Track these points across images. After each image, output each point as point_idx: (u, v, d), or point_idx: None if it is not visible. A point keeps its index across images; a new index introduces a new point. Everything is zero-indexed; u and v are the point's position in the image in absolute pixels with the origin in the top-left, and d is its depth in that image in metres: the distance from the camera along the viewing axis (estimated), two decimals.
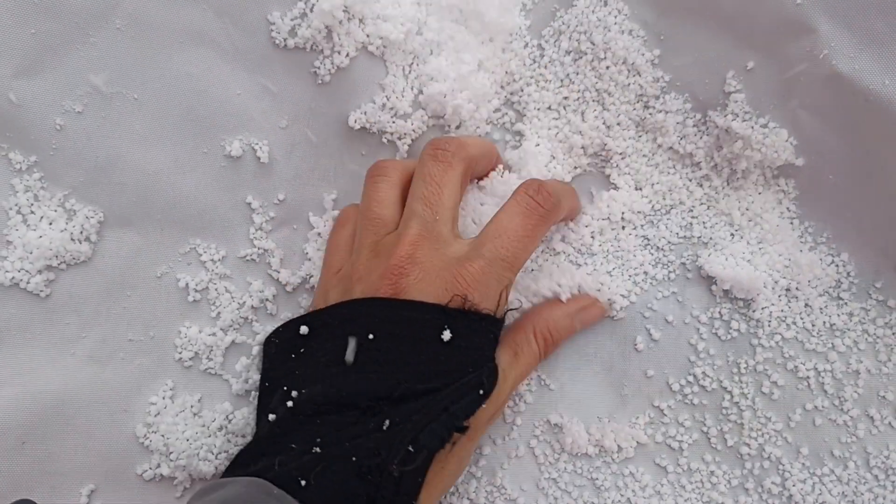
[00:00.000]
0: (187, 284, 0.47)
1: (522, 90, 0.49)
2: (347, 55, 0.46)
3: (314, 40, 0.46)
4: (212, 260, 0.47)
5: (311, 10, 0.46)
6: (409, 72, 0.47)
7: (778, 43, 0.44)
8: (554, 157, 0.49)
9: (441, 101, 0.46)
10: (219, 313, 0.47)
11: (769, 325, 0.47)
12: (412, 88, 0.47)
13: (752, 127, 0.46)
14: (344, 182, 0.49)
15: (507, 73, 0.50)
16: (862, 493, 0.45)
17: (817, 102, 0.44)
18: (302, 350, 0.40)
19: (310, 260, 0.48)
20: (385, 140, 0.48)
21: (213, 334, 0.47)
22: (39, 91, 0.44)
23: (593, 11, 0.48)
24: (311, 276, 0.48)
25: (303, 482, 0.33)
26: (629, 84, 0.48)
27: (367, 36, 0.46)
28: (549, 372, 0.47)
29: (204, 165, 0.47)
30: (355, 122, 0.47)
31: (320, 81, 0.47)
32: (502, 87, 0.50)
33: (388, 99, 0.47)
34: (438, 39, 0.48)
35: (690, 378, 0.47)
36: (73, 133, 0.45)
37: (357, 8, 0.45)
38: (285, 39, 0.46)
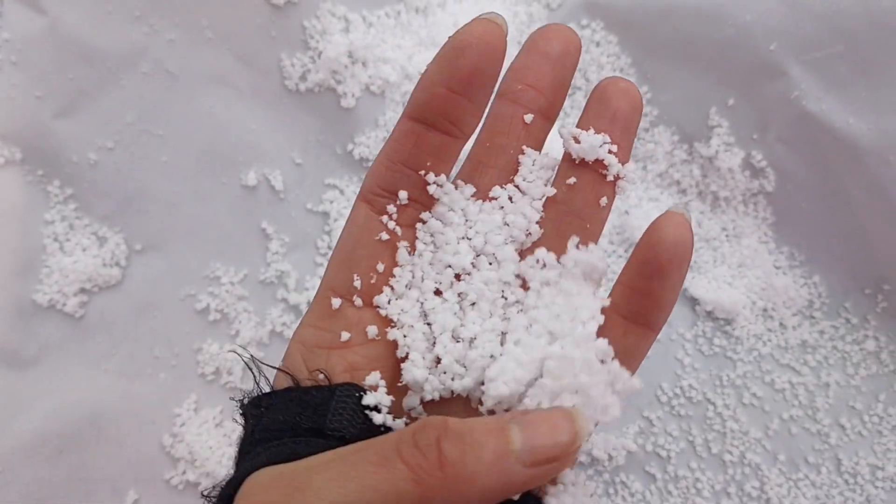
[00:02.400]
0: (208, 305, 0.52)
1: None
2: (353, 96, 0.52)
3: (323, 85, 0.52)
4: (230, 282, 0.53)
5: (319, 57, 0.52)
6: None
7: (754, 83, 0.50)
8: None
9: None
10: (237, 331, 0.53)
11: (748, 342, 0.53)
12: None
13: (734, 157, 0.52)
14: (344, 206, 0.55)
15: None
16: (833, 497, 0.51)
17: (791, 137, 0.50)
18: None
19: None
20: None
21: (233, 351, 0.52)
22: (76, 129, 0.49)
23: (587, 51, 0.54)
24: None
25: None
26: None
27: (369, 77, 0.52)
28: None
29: (223, 195, 0.53)
30: (358, 154, 0.53)
31: (328, 118, 0.53)
32: None
33: (388, 132, 0.53)
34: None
35: (677, 390, 0.53)
36: (105, 167, 0.50)
37: (360, 53, 0.51)
38: (297, 84, 0.52)
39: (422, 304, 0.28)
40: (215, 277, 0.53)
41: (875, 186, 0.48)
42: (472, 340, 0.27)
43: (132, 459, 0.50)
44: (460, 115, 0.27)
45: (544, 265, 0.28)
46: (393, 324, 0.28)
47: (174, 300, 0.52)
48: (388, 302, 0.29)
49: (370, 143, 0.53)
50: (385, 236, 0.28)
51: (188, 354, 0.52)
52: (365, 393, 0.27)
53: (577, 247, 0.27)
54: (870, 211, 0.49)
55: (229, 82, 0.52)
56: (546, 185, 0.29)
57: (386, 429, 0.26)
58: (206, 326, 0.52)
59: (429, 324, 0.28)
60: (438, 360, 0.27)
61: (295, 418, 0.26)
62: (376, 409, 0.27)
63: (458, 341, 0.27)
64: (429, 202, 0.29)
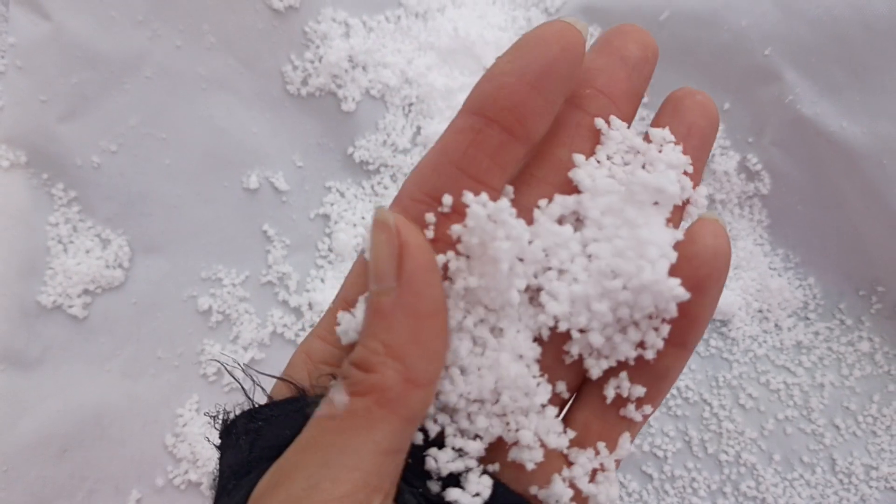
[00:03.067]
0: (210, 306, 0.53)
1: None
2: (353, 100, 0.53)
3: (323, 89, 0.53)
4: (232, 284, 0.54)
5: (320, 61, 0.53)
6: (409, 111, 0.54)
7: (749, 88, 0.51)
8: None
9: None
10: (239, 333, 0.54)
11: (743, 343, 0.54)
12: (411, 126, 0.54)
13: (729, 160, 0.53)
14: (345, 209, 0.56)
15: None
16: (828, 496, 0.52)
17: (786, 141, 0.51)
18: None
19: (323, 282, 0.55)
20: (390, 176, 0.55)
21: (234, 352, 0.53)
22: (79, 133, 0.50)
23: None
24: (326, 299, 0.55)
25: None
26: None
27: (370, 81, 0.53)
28: None
29: (224, 197, 0.54)
30: (359, 157, 0.54)
31: (329, 122, 0.54)
32: None
33: (388, 136, 0.54)
34: (437, 81, 0.55)
35: (674, 391, 0.54)
36: (109, 170, 0.51)
37: (360, 58, 0.52)
38: (298, 88, 0.53)
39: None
40: (217, 279, 0.54)
41: (869, 189, 0.49)
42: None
43: (135, 459, 0.51)
44: (529, 110, 0.23)
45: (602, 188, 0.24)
46: None
47: (176, 301, 0.53)
48: None
49: (370, 146, 0.55)
50: None
51: (190, 355, 0.53)
52: None
53: (644, 167, 0.24)
54: (864, 213, 0.50)
55: (231, 86, 0.53)
56: None
57: None
58: (207, 328, 0.53)
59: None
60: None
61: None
62: None
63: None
64: None
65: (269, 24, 0.52)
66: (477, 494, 0.23)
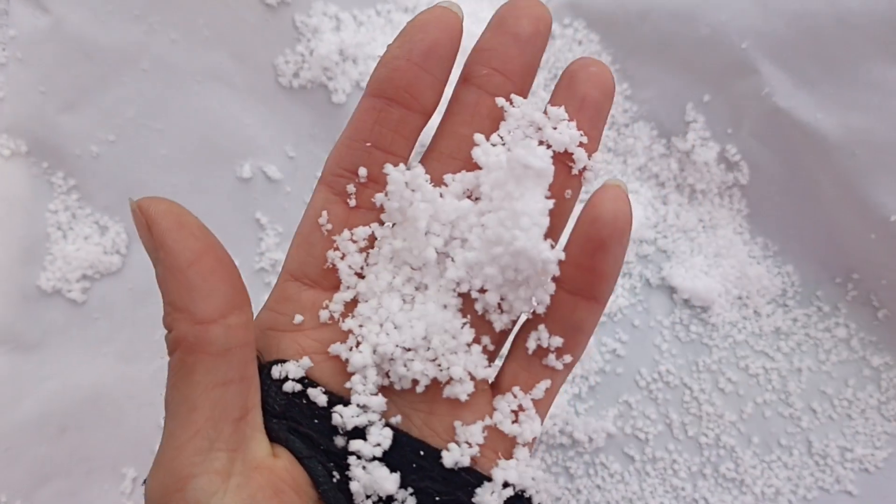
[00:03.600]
0: None
1: None
2: (344, 92, 0.55)
3: (315, 81, 0.55)
4: None
5: (311, 55, 0.55)
6: None
7: (728, 81, 0.53)
8: None
9: (427, 131, 0.56)
10: None
11: (723, 329, 0.56)
12: None
13: (709, 151, 0.55)
14: None
15: None
16: (805, 477, 0.53)
17: (764, 132, 0.53)
18: None
19: None
20: None
21: None
22: (78, 123, 0.52)
23: (570, 49, 0.57)
24: None
25: None
26: None
27: (360, 73, 0.55)
28: None
29: (218, 186, 0.56)
30: None
31: (320, 113, 0.56)
32: None
33: None
34: None
35: (655, 375, 0.56)
36: (107, 159, 0.53)
37: (350, 51, 0.54)
38: (290, 81, 0.55)
39: (378, 297, 0.28)
40: None
41: (842, 179, 0.51)
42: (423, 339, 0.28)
43: (131, 439, 0.53)
44: (420, 87, 0.27)
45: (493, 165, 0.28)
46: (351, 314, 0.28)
47: None
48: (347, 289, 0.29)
49: None
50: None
51: None
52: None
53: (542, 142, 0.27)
54: (838, 202, 0.52)
55: (225, 79, 0.55)
56: None
57: (306, 400, 0.27)
58: None
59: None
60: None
61: None
62: (285, 380, 0.27)
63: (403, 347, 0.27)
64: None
65: (262, 18, 0.54)
66: (378, 444, 0.26)
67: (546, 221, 0.26)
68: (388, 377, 0.28)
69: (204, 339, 0.24)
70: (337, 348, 0.28)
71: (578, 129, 0.27)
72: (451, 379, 0.27)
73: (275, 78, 0.56)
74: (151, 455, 0.52)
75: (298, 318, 0.28)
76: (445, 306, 0.28)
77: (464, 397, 0.27)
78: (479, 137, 0.28)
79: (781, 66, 0.51)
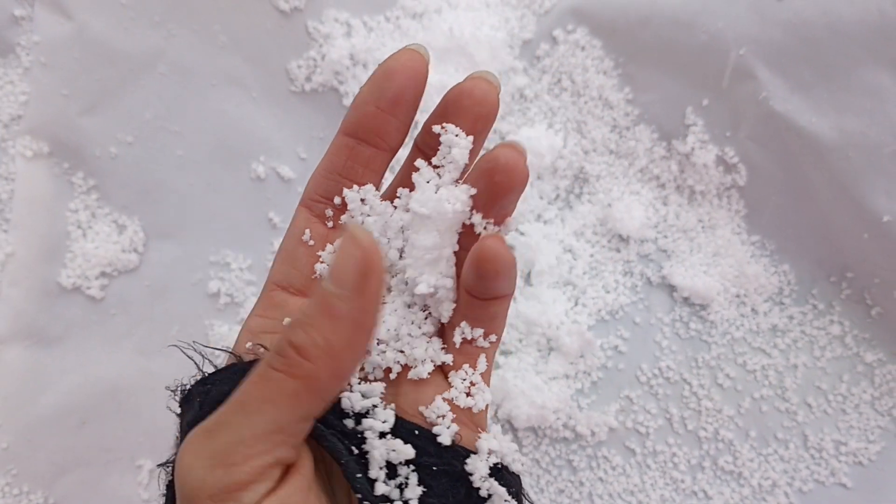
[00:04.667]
0: (219, 290, 0.58)
1: (508, 120, 0.61)
2: (355, 96, 0.57)
3: (326, 85, 0.58)
4: (239, 268, 0.58)
5: (323, 59, 0.57)
6: None
7: (726, 85, 0.55)
8: (540, 178, 0.61)
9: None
10: (245, 315, 0.58)
11: (722, 326, 0.58)
12: None
13: (708, 153, 0.57)
14: None
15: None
16: (800, 470, 0.56)
17: (761, 135, 0.56)
18: None
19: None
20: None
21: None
22: (99, 125, 0.55)
23: (573, 54, 0.59)
24: None
25: None
26: (604, 116, 0.60)
27: None
28: (540, 369, 0.58)
29: (233, 187, 0.58)
30: None
31: (331, 116, 0.59)
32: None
33: None
34: (433, 78, 0.59)
35: (656, 371, 0.58)
36: (125, 160, 0.56)
37: (361, 56, 0.57)
38: (302, 84, 0.58)
39: None
40: (225, 264, 0.58)
41: (836, 180, 0.53)
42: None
43: (149, 431, 0.55)
44: (387, 130, 0.31)
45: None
46: None
47: (187, 284, 0.57)
48: None
49: None
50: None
51: (199, 335, 0.57)
52: None
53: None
54: (832, 203, 0.55)
55: (240, 82, 0.58)
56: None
57: None
58: (216, 309, 0.58)
59: None
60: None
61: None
62: None
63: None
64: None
65: (276, 24, 0.57)
66: (385, 421, 0.30)
67: (431, 256, 0.31)
68: (363, 369, 0.32)
69: (329, 390, 0.26)
70: None
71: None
72: (414, 360, 0.32)
73: (288, 82, 0.58)
74: (168, 447, 0.55)
75: (287, 321, 0.32)
76: (409, 305, 0.33)
77: (425, 375, 0.31)
78: (420, 163, 0.32)
79: (777, 72, 0.53)
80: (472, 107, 0.30)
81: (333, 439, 0.29)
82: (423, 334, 0.32)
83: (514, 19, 0.61)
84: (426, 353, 0.32)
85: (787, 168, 0.56)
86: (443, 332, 0.33)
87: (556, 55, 0.60)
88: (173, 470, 0.27)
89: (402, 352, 0.32)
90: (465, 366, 0.32)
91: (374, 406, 0.30)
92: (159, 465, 0.32)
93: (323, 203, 0.33)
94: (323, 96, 0.59)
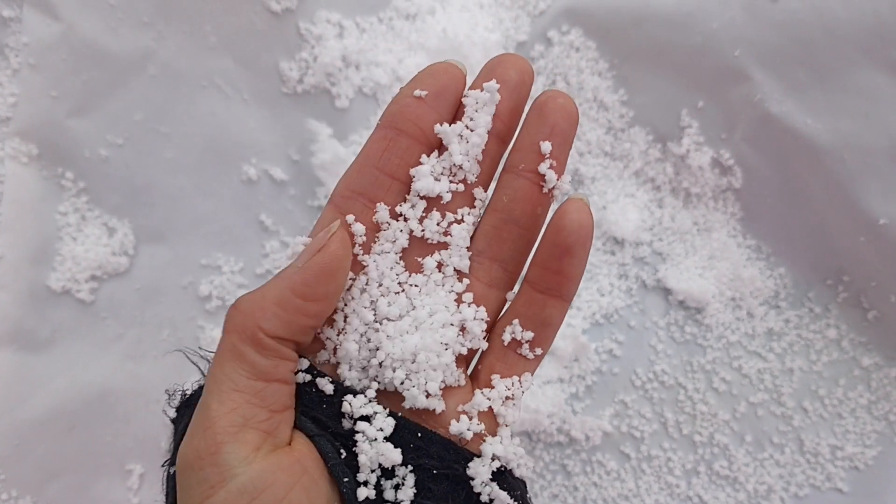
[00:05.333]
0: (210, 293, 0.57)
1: None
2: (347, 97, 0.57)
3: (318, 86, 0.57)
4: (231, 271, 0.58)
5: (315, 61, 0.57)
6: None
7: (721, 87, 0.55)
8: None
9: None
10: None
11: (717, 330, 0.58)
12: None
13: (703, 156, 0.57)
14: None
15: None
16: (796, 475, 0.55)
17: (756, 137, 0.56)
18: None
19: None
20: None
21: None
22: (88, 127, 0.55)
23: (568, 56, 0.59)
24: None
25: None
26: (599, 118, 0.60)
27: (362, 79, 0.57)
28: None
29: (224, 189, 0.58)
30: (352, 152, 0.58)
31: (323, 118, 0.59)
32: None
33: None
34: None
35: (651, 375, 0.58)
36: (115, 162, 0.56)
37: (353, 57, 0.57)
38: (294, 86, 0.58)
39: (371, 301, 0.32)
40: (216, 267, 0.58)
41: (832, 183, 0.53)
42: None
43: (138, 436, 0.55)
44: (426, 122, 0.31)
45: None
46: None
47: (177, 288, 0.57)
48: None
49: (363, 141, 0.59)
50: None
51: (190, 339, 0.57)
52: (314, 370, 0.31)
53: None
54: (828, 206, 0.54)
55: (231, 84, 0.57)
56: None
57: (315, 388, 0.30)
58: (207, 312, 0.58)
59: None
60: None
61: None
62: (296, 372, 0.31)
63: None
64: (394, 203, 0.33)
65: (267, 25, 0.57)
66: (381, 430, 0.30)
67: (440, 319, 0.31)
68: (376, 379, 0.32)
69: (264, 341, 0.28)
70: (327, 332, 0.32)
71: (550, 156, 0.31)
72: (427, 394, 0.31)
73: (279, 83, 0.58)
74: (158, 452, 0.55)
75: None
76: (444, 324, 0.32)
77: (438, 410, 0.31)
78: (422, 170, 0.32)
79: (773, 74, 0.53)
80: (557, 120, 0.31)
81: (323, 440, 0.29)
82: (443, 363, 0.31)
83: (508, 20, 0.61)
84: (442, 382, 0.31)
85: (783, 170, 0.55)
86: (489, 332, 0.33)
87: (550, 56, 0.60)
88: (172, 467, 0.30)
89: (417, 374, 0.31)
90: (515, 377, 0.32)
91: (376, 413, 0.30)
92: (162, 465, 0.32)
93: (352, 198, 0.32)
94: (315, 98, 0.59)
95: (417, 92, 0.31)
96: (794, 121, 0.53)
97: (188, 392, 0.33)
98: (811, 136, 0.53)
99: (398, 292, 0.32)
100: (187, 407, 0.32)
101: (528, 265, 0.32)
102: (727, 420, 0.57)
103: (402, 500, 0.29)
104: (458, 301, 0.32)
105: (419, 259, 0.32)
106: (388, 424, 0.30)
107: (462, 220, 0.32)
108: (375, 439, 0.29)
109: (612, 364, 0.58)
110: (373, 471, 0.29)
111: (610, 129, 0.60)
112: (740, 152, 0.57)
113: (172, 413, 0.33)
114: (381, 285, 0.32)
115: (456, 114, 0.32)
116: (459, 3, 0.60)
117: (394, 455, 0.29)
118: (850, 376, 0.57)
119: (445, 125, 0.31)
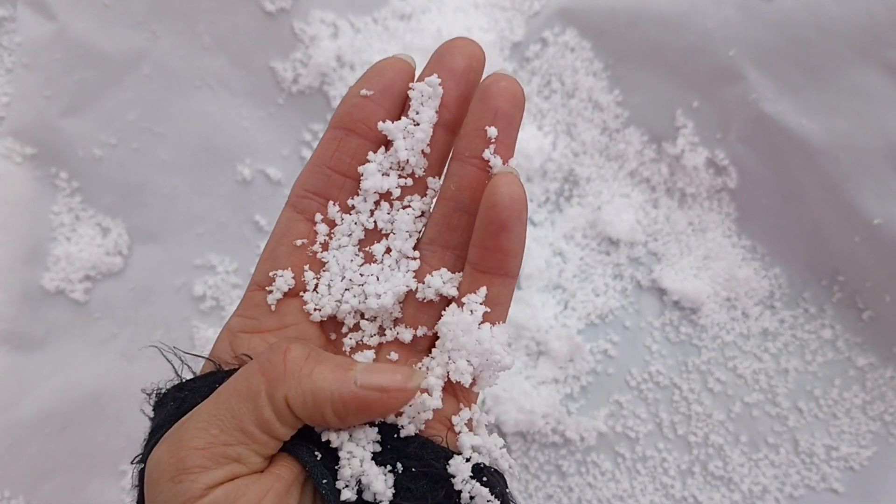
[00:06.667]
0: (204, 293, 0.57)
1: None
2: (341, 97, 0.57)
3: (313, 86, 0.57)
4: (225, 271, 0.58)
5: (310, 60, 0.57)
6: None
7: (716, 87, 0.55)
8: (529, 180, 0.60)
9: None
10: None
11: (712, 330, 0.58)
12: None
13: (698, 156, 0.57)
14: None
15: None
16: (791, 475, 0.55)
17: (751, 137, 0.56)
18: None
19: None
20: None
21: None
22: (81, 127, 0.55)
23: (563, 56, 0.59)
24: None
25: None
26: (594, 119, 0.60)
27: (357, 80, 0.57)
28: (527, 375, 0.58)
29: (218, 189, 0.58)
30: None
31: (317, 118, 0.59)
32: None
33: None
34: None
35: (646, 375, 0.58)
36: (109, 162, 0.56)
37: (348, 57, 0.57)
38: (288, 86, 0.58)
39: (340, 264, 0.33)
40: (210, 267, 0.58)
41: (827, 183, 0.53)
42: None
43: (131, 436, 0.55)
44: (375, 120, 0.31)
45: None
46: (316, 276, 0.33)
47: (171, 287, 0.57)
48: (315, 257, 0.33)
49: None
50: (301, 241, 0.32)
51: (184, 339, 0.57)
52: None
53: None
54: (823, 206, 0.54)
55: (225, 84, 0.57)
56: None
57: None
58: (200, 313, 0.57)
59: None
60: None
61: None
62: None
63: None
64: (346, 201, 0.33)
65: (262, 25, 0.57)
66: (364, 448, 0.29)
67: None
68: None
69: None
70: (310, 296, 0.32)
71: (496, 140, 0.31)
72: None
73: (274, 83, 0.58)
74: None
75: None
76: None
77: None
78: (369, 168, 0.32)
79: (767, 73, 0.53)
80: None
81: (297, 445, 0.29)
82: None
83: (503, 21, 0.61)
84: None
85: (778, 170, 0.55)
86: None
87: (545, 57, 0.60)
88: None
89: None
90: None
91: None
92: (132, 462, 0.32)
93: (308, 198, 0.33)
94: (310, 98, 0.59)
95: (364, 91, 0.31)
96: (788, 121, 0.53)
97: (162, 390, 0.33)
98: (806, 136, 0.53)
99: (361, 284, 0.33)
100: (161, 406, 0.32)
101: (470, 247, 0.31)
102: (722, 420, 0.57)
103: (380, 501, 0.28)
104: (419, 279, 0.32)
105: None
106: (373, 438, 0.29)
107: (408, 206, 0.33)
108: (362, 460, 0.29)
109: (606, 364, 0.58)
110: (351, 475, 0.28)
111: (605, 129, 0.60)
112: (735, 152, 0.57)
113: (151, 412, 0.33)
114: (343, 279, 0.33)
115: (403, 107, 0.32)
116: (454, 4, 0.60)
117: (379, 484, 0.28)
118: (845, 376, 0.57)
119: (389, 123, 0.32)
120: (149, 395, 0.33)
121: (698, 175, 0.58)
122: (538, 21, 0.60)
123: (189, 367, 0.34)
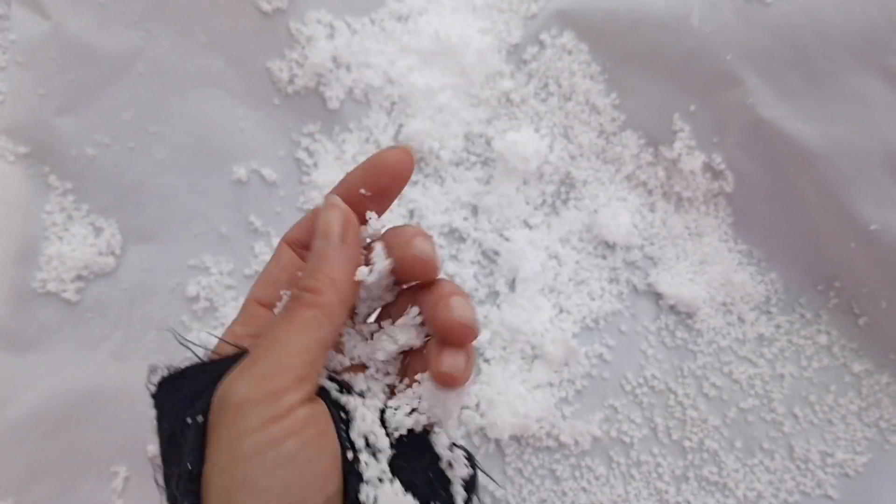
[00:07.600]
0: (198, 294, 0.57)
1: (495, 124, 0.60)
2: (338, 99, 0.57)
3: (309, 87, 0.57)
4: (219, 272, 0.58)
5: (306, 61, 0.57)
6: (391, 110, 0.58)
7: (714, 91, 0.55)
8: (526, 182, 0.60)
9: (419, 137, 0.58)
10: (224, 320, 0.57)
11: (708, 335, 0.57)
12: (393, 124, 0.58)
13: (695, 160, 0.57)
14: None
15: (484, 109, 0.60)
16: (786, 481, 0.55)
17: (747, 142, 0.55)
18: None
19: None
20: None
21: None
22: (76, 126, 0.54)
23: (560, 59, 0.59)
24: None
25: None
26: (591, 122, 0.59)
27: (353, 81, 0.57)
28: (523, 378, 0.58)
29: (213, 190, 0.58)
30: (344, 151, 0.58)
31: (314, 119, 0.58)
32: (482, 122, 0.61)
33: (371, 133, 0.58)
34: (418, 82, 0.59)
35: (641, 380, 0.57)
36: (103, 161, 0.55)
37: (344, 58, 0.56)
38: (285, 86, 0.57)
39: None
40: (205, 268, 0.58)
41: (824, 188, 0.53)
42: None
43: (124, 437, 0.54)
44: (366, 209, 0.34)
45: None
46: None
47: (165, 288, 0.57)
48: None
49: (354, 141, 0.58)
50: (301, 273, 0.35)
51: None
52: None
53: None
54: (820, 211, 0.54)
55: (221, 84, 0.57)
56: None
57: None
58: (194, 314, 0.57)
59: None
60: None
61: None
62: None
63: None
64: None
65: (258, 25, 0.57)
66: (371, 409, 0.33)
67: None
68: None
69: (338, 314, 0.32)
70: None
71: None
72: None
73: (270, 83, 0.58)
74: (144, 454, 0.54)
75: (300, 273, 0.35)
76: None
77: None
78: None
79: (765, 78, 0.53)
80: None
81: (328, 401, 0.32)
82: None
83: (500, 23, 0.61)
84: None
85: (775, 175, 0.55)
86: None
87: (542, 59, 0.60)
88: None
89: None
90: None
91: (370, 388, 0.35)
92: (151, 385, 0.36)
93: (301, 249, 0.36)
94: (305, 99, 0.58)
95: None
96: (786, 125, 0.53)
97: (179, 368, 0.35)
98: (803, 141, 0.53)
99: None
100: (175, 379, 0.35)
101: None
102: (717, 426, 0.56)
103: (382, 451, 0.32)
104: None
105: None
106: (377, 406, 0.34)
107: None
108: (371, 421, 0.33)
109: (602, 368, 0.58)
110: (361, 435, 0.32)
111: (601, 132, 0.60)
112: (732, 157, 0.56)
113: (153, 388, 0.36)
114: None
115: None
116: (451, 5, 0.60)
117: (383, 441, 0.32)
118: (840, 382, 0.56)
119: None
120: (152, 371, 0.36)
121: (695, 179, 0.58)
122: (536, 23, 0.60)
123: (197, 355, 0.36)
